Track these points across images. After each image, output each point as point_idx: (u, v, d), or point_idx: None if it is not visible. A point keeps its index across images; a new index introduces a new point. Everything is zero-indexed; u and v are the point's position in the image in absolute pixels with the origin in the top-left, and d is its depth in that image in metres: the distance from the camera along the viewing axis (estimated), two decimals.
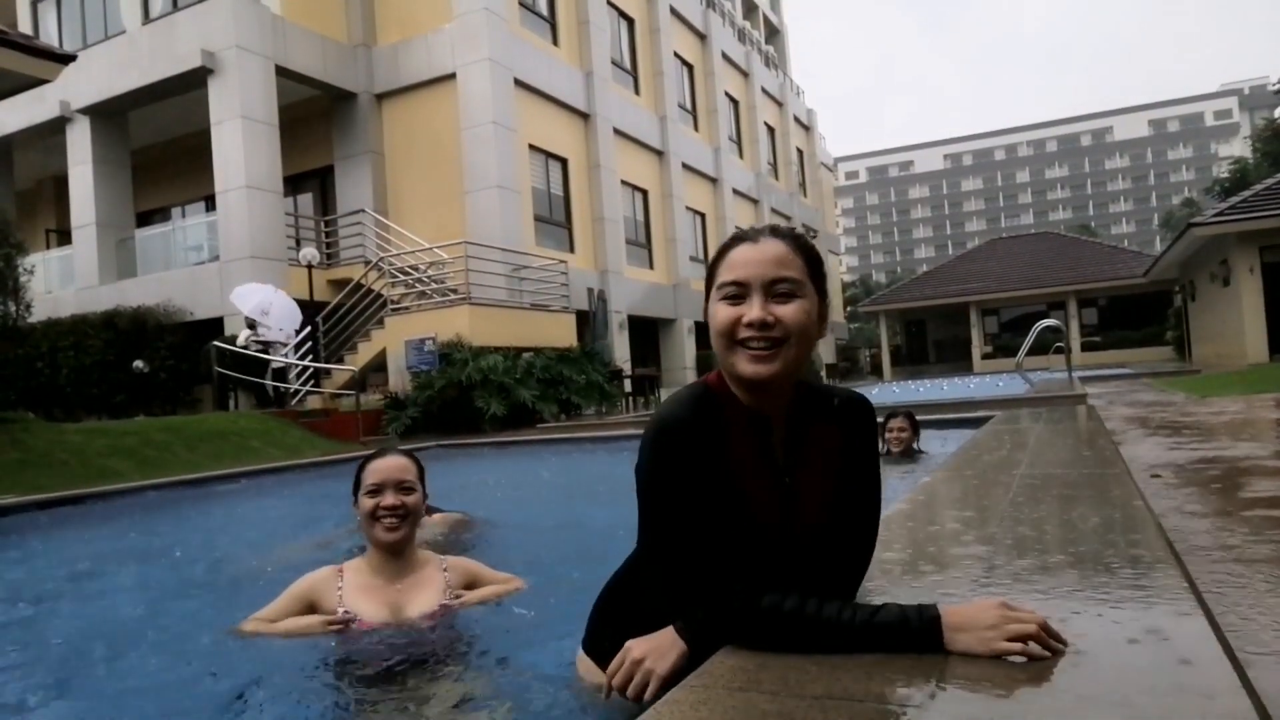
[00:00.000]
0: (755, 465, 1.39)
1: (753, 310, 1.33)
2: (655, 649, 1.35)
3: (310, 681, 1.91)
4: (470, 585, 2.37)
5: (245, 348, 12.31)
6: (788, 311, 1.33)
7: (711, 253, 1.49)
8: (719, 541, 1.31)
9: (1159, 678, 1.07)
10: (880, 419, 5.43)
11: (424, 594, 2.24)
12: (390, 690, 1.85)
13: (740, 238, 1.41)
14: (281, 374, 12.83)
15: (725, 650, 1.30)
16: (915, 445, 5.41)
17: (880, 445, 5.30)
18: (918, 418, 5.57)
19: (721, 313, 1.36)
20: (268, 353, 12.57)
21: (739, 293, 1.35)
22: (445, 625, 2.19)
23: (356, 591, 2.17)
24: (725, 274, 1.38)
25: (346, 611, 2.13)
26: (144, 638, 2.58)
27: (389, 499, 2.21)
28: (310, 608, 2.15)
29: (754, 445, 1.40)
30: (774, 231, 1.41)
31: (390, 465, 2.27)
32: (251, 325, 12.61)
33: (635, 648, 1.36)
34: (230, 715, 1.83)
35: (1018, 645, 1.14)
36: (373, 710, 1.77)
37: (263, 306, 12.41)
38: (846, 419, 1.47)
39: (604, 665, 1.55)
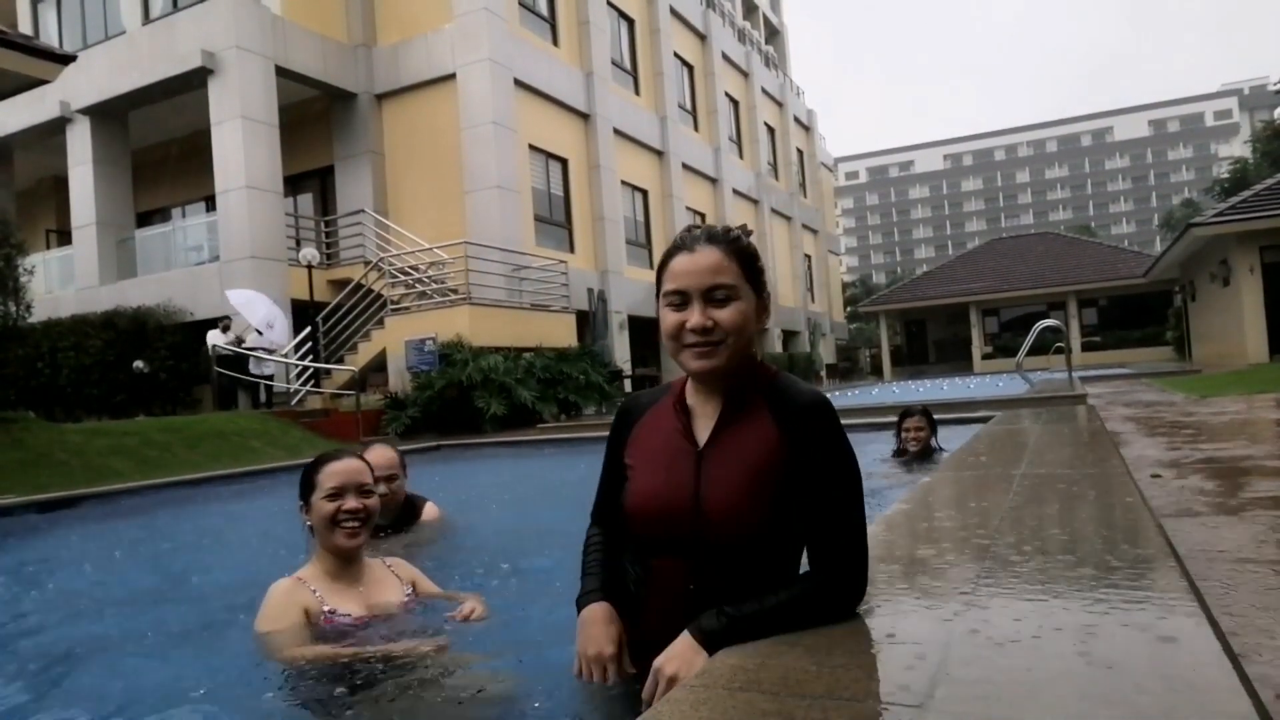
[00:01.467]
0: (668, 441, 1.58)
1: (693, 317, 1.49)
2: (685, 663, 1.35)
3: (301, 681, 1.92)
4: (413, 581, 2.37)
5: (215, 349, 12.39)
6: (724, 315, 1.49)
7: None
8: (607, 496, 1.69)
9: (1159, 677, 1.07)
10: (896, 417, 5.36)
11: (386, 591, 2.24)
12: (376, 685, 1.87)
13: (679, 246, 1.54)
14: (267, 378, 12.87)
15: (725, 650, 1.31)
16: (934, 443, 5.08)
17: (896, 443, 5.13)
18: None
19: (668, 318, 1.53)
20: (245, 358, 12.58)
21: (681, 300, 1.51)
22: (415, 619, 2.20)
23: (329, 595, 2.14)
24: (668, 283, 1.53)
25: (334, 611, 2.11)
26: (134, 639, 2.58)
27: (351, 502, 2.14)
28: (305, 613, 2.09)
29: (673, 424, 1.59)
30: (710, 238, 1.52)
31: (350, 468, 2.19)
32: (225, 328, 12.65)
33: (666, 666, 1.36)
34: (225, 713, 1.83)
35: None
36: (360, 705, 1.79)
37: (269, 319, 12.48)
38: (789, 416, 1.48)
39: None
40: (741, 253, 1.52)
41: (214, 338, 12.62)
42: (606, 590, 1.63)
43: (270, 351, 12.79)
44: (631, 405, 1.72)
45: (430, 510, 3.60)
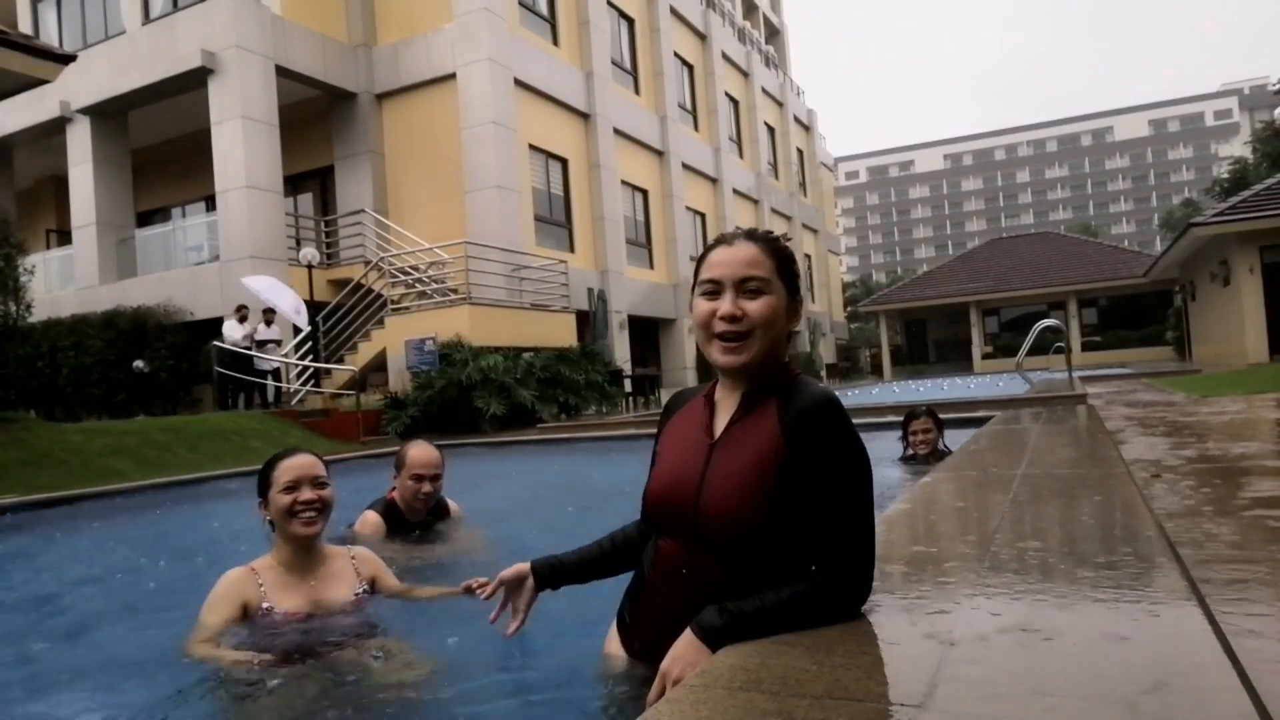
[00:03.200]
0: (690, 433, 1.62)
1: (724, 305, 1.52)
2: (688, 663, 1.35)
3: (238, 674, 1.95)
4: (374, 578, 2.45)
5: (218, 346, 12.21)
6: (755, 307, 1.52)
7: None
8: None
9: (1159, 677, 1.07)
10: (896, 416, 5.29)
11: (338, 586, 2.33)
12: (313, 677, 1.90)
13: (719, 241, 1.60)
14: (276, 374, 12.75)
15: (726, 650, 1.31)
16: (942, 445, 4.88)
17: (904, 448, 4.96)
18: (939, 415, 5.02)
19: (700, 307, 1.57)
20: (263, 350, 12.48)
21: (715, 289, 1.55)
22: (361, 614, 2.28)
23: (275, 589, 2.23)
24: (704, 273, 1.58)
25: (272, 608, 2.19)
26: (119, 639, 2.60)
27: (306, 494, 2.25)
28: (243, 608, 2.18)
29: (699, 416, 1.63)
30: (749, 235, 1.59)
31: (304, 462, 2.30)
32: (243, 318, 12.47)
33: (671, 668, 1.37)
34: (160, 711, 1.86)
35: None
36: (297, 697, 1.82)
37: (297, 305, 12.44)
38: (793, 415, 1.48)
39: (620, 625, 1.69)
40: (779, 252, 1.58)
41: (230, 329, 12.33)
42: (556, 566, 1.80)
43: (279, 344, 12.68)
44: (674, 400, 1.78)
45: (454, 507, 3.70)
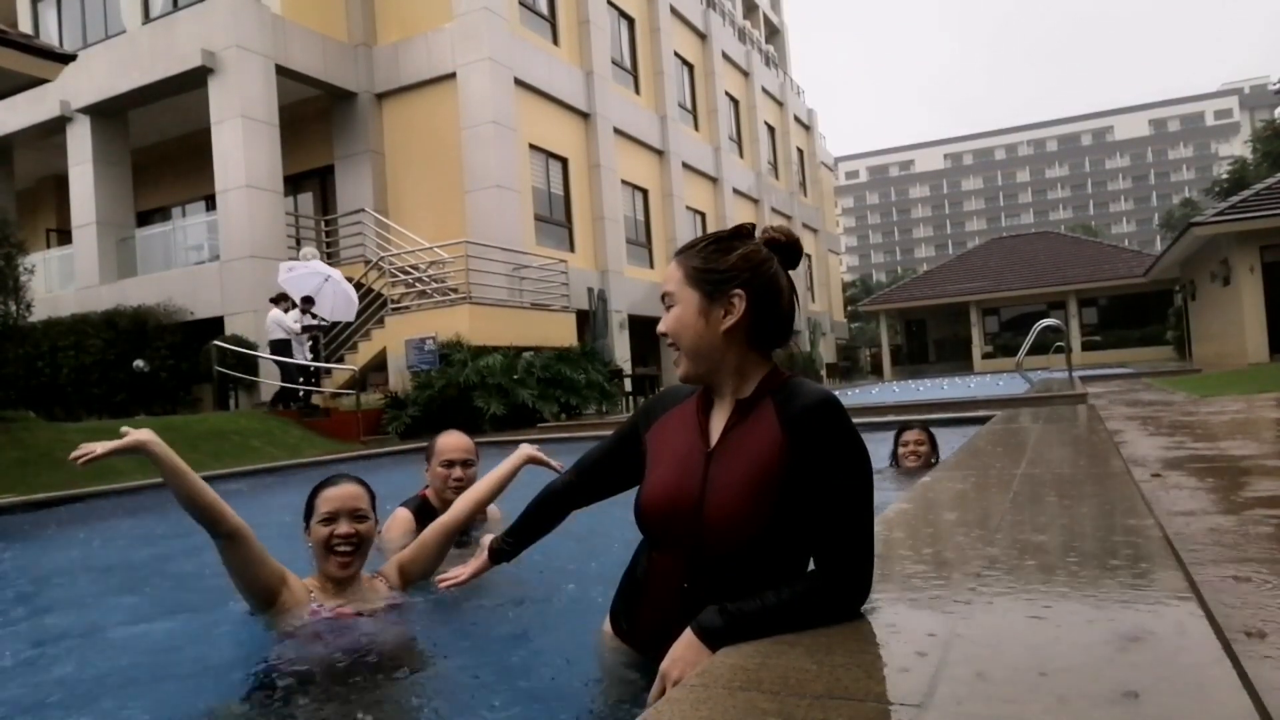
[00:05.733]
0: (685, 438, 1.62)
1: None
2: (688, 664, 1.34)
3: (284, 669, 1.95)
4: (402, 579, 2.45)
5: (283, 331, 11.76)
6: (665, 321, 1.61)
7: None
8: (597, 456, 1.84)
9: (1159, 677, 1.07)
10: (896, 416, 5.22)
11: (382, 600, 2.33)
12: (339, 678, 1.90)
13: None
14: (305, 369, 12.26)
15: (725, 650, 1.31)
16: (934, 464, 4.52)
17: (891, 460, 4.68)
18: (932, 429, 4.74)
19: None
20: (304, 336, 12.00)
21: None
22: (402, 616, 2.27)
23: (321, 595, 2.23)
24: None
25: (322, 605, 2.19)
26: (130, 634, 2.60)
27: (343, 527, 2.20)
28: (282, 579, 2.17)
29: (693, 421, 1.63)
30: (678, 251, 1.63)
31: (344, 493, 2.25)
32: (287, 308, 11.93)
33: (671, 670, 1.36)
34: (196, 708, 1.87)
35: None
36: (321, 698, 1.82)
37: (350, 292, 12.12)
38: (793, 417, 1.48)
39: (616, 630, 1.71)
40: (689, 259, 1.58)
41: (280, 317, 11.72)
42: (513, 540, 1.98)
43: (319, 330, 12.22)
44: (668, 394, 1.79)
45: (494, 511, 3.51)
